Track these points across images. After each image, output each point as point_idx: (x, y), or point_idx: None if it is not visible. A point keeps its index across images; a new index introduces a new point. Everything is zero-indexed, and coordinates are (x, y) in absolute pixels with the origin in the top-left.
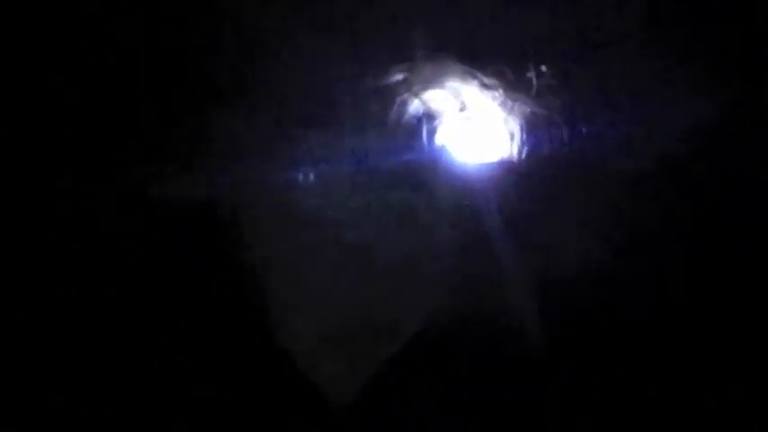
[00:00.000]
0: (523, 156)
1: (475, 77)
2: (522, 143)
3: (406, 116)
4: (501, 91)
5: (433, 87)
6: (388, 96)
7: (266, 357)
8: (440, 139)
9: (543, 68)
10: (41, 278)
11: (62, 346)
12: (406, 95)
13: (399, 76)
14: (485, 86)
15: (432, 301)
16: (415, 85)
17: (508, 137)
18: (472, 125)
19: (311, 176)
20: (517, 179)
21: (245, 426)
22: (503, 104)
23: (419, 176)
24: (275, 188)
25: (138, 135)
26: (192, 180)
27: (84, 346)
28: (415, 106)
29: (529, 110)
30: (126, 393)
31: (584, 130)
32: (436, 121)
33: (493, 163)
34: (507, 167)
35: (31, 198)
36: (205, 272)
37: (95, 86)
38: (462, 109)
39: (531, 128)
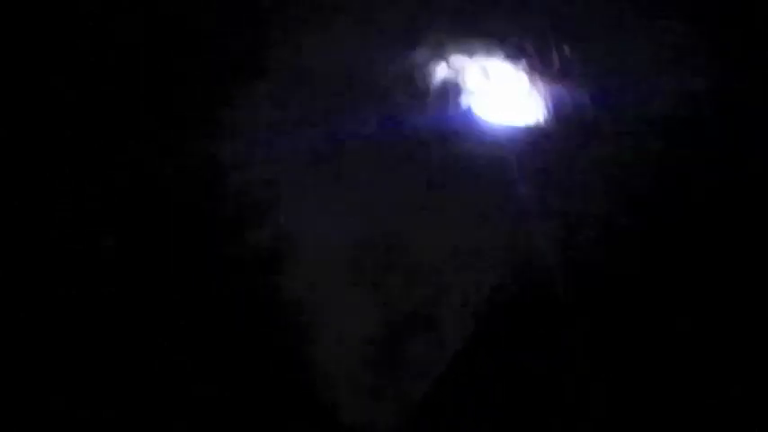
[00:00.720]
0: (545, 119)
1: (499, 49)
2: (545, 108)
3: (436, 83)
4: (523, 61)
5: (462, 57)
6: (420, 65)
7: (266, 357)
8: (467, 104)
9: (563, 45)
10: (41, 278)
11: (62, 346)
12: (435, 64)
13: (429, 49)
14: (508, 57)
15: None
16: (444, 56)
17: (531, 102)
18: (498, 91)
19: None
20: (537, 139)
21: (245, 426)
22: (525, 73)
23: (448, 137)
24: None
25: (138, 135)
26: (198, 177)
27: (85, 346)
28: (444, 74)
29: (549, 78)
30: (126, 393)
31: (600, 96)
32: (464, 88)
33: (517, 125)
34: (529, 129)
35: (31, 198)
36: (206, 272)
37: (95, 86)
38: (488, 77)
39: (552, 94)
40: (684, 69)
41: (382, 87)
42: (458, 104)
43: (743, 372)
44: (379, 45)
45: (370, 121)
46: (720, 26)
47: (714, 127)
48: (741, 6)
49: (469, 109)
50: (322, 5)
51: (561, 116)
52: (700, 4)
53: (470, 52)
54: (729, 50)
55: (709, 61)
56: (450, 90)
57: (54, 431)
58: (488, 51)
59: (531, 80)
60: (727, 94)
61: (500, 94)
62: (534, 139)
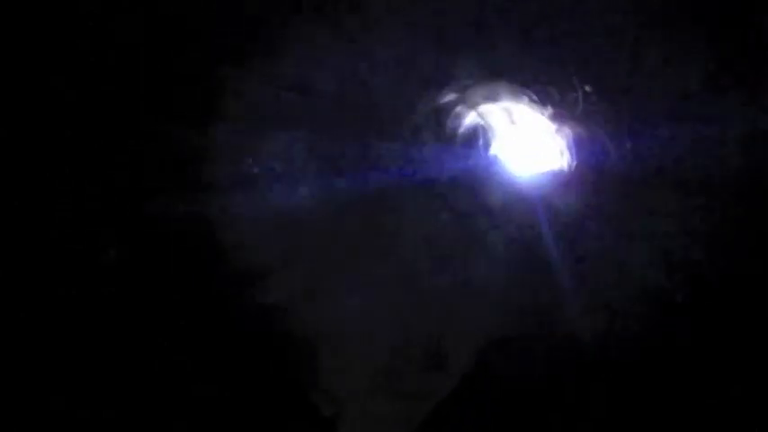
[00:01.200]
0: (572, 167)
1: (525, 95)
2: (571, 155)
3: (462, 129)
4: (549, 107)
5: (486, 103)
6: (445, 111)
7: (266, 357)
8: (493, 151)
9: (587, 89)
10: (41, 278)
11: (62, 346)
12: (461, 109)
13: (454, 94)
14: (534, 103)
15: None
16: (469, 101)
17: (557, 149)
18: (523, 137)
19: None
20: (566, 189)
21: (245, 426)
22: (551, 119)
23: (473, 184)
24: (317, 199)
25: (138, 135)
26: (201, 180)
27: (85, 346)
28: (470, 120)
29: (576, 124)
30: (126, 393)
31: (628, 144)
32: (489, 134)
33: (543, 173)
34: (557, 178)
35: (31, 198)
36: (207, 273)
37: (95, 86)
38: (513, 123)
39: (579, 141)
40: (715, 116)
41: (404, 130)
42: (482, 148)
43: (743, 372)
44: (401, 85)
45: (389, 162)
46: (757, 71)
47: (748, 179)
48: None
49: (493, 153)
50: (338, 36)
51: (586, 163)
52: (733, 51)
53: (495, 96)
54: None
55: (743, 106)
56: (475, 134)
57: (54, 431)
58: (513, 95)
59: (557, 125)
60: (763, 141)
61: (525, 139)
62: (558, 185)
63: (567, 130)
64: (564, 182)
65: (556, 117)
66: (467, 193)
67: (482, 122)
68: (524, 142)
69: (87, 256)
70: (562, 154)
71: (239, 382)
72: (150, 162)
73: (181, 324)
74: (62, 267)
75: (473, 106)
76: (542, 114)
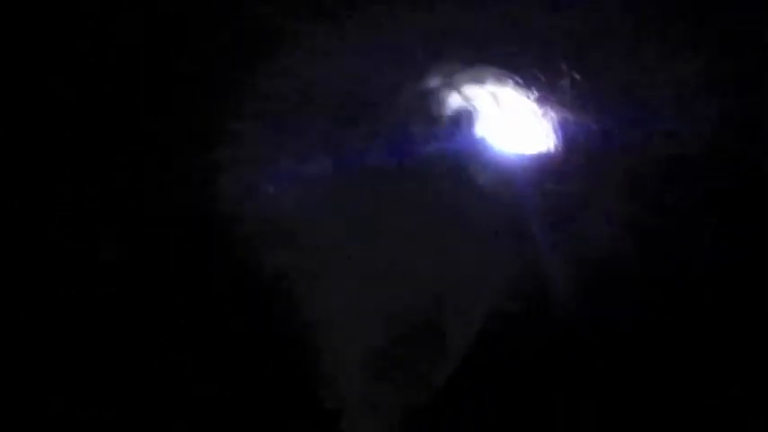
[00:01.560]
0: (556, 148)
1: (510, 78)
2: (556, 137)
3: (448, 111)
4: (534, 90)
5: (473, 85)
6: (432, 93)
7: (266, 357)
8: (478, 132)
9: (575, 75)
10: (41, 278)
11: (62, 347)
12: (447, 92)
13: (441, 77)
14: (519, 86)
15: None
16: (456, 84)
17: (542, 131)
18: (509, 120)
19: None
20: (547, 168)
21: (245, 426)
22: (537, 102)
23: (459, 165)
24: (309, 182)
25: (138, 135)
26: (200, 179)
27: (85, 346)
28: (456, 102)
29: (560, 107)
30: (126, 393)
31: (612, 127)
32: (475, 116)
33: (528, 154)
34: (542, 161)
35: (31, 198)
36: (206, 272)
37: (95, 86)
38: (499, 105)
39: (563, 123)
40: (700, 103)
41: (393, 114)
42: (468, 132)
43: (743, 372)
44: (390, 71)
45: (379, 146)
46: (745, 56)
47: (733, 161)
48: None
49: (480, 136)
50: (330, 26)
51: (572, 145)
52: (722, 35)
53: (481, 80)
54: (753, 81)
55: (726, 92)
56: (461, 118)
57: (54, 431)
58: (500, 80)
59: (543, 109)
60: (747, 126)
61: (511, 123)
62: (544, 167)
63: (553, 114)
64: (550, 164)
65: (542, 101)
66: (453, 175)
67: (468, 105)
68: (510, 125)
69: (87, 256)
70: (548, 137)
71: (239, 382)
72: (150, 162)
73: (181, 324)
74: (62, 267)
75: (459, 89)
76: (528, 98)
